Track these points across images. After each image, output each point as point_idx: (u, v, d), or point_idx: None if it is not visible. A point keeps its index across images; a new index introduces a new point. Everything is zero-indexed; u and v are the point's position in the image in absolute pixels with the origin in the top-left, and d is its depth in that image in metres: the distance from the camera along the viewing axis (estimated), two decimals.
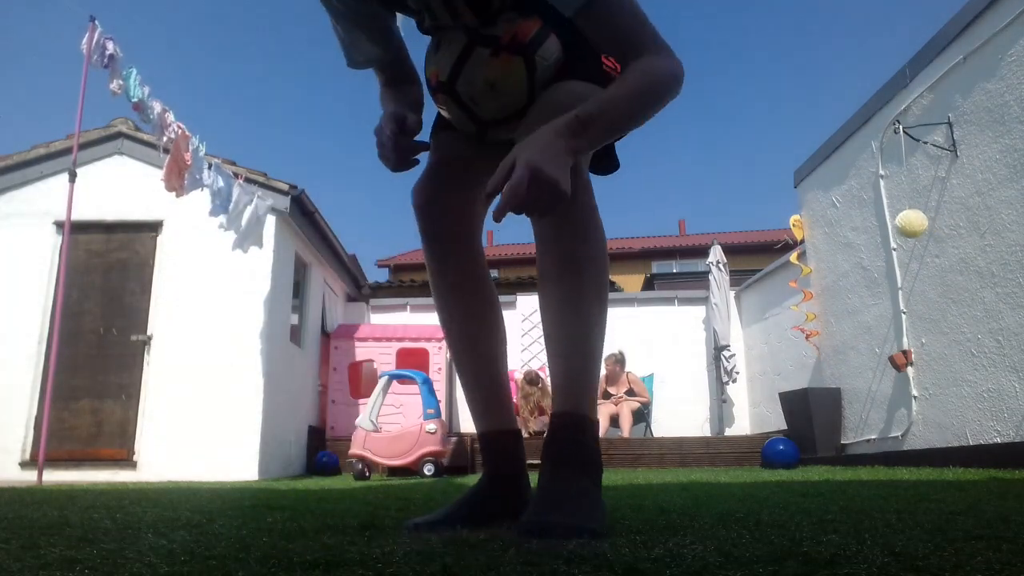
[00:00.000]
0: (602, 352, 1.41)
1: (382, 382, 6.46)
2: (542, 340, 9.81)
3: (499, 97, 1.40)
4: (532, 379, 7.86)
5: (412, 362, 8.28)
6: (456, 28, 1.41)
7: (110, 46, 5.23)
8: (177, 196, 5.71)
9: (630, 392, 8.10)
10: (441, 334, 9.44)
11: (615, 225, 50.20)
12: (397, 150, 1.50)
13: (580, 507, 1.24)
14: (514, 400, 8.18)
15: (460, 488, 3.49)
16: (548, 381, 8.47)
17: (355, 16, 1.49)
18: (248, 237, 6.09)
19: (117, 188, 6.84)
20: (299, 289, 7.89)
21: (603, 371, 8.15)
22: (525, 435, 7.61)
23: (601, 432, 7.73)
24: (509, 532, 1.26)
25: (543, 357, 9.12)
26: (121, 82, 5.23)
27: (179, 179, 5.55)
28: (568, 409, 1.35)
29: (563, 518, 1.21)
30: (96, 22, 5.25)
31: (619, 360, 8.14)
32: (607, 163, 1.60)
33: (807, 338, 6.72)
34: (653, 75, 1.27)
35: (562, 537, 1.13)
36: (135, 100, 5.31)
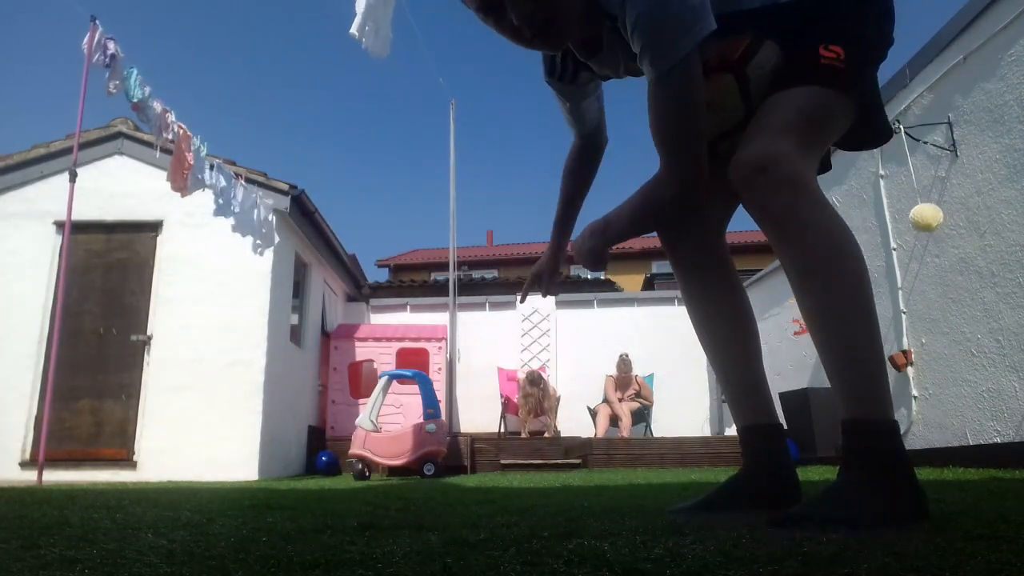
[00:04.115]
0: (870, 345, 1.33)
1: (382, 382, 6.46)
2: (542, 340, 9.83)
3: (716, 114, 1.45)
4: (534, 380, 7.86)
5: (412, 362, 8.28)
6: None
7: (111, 46, 5.23)
8: (182, 196, 5.72)
9: (637, 394, 8.10)
10: (441, 334, 9.46)
11: None
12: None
13: (843, 501, 1.25)
14: (514, 399, 8.19)
15: (460, 488, 3.49)
16: (549, 382, 8.45)
17: (580, 91, 1.71)
18: (262, 239, 6.12)
19: (117, 188, 6.84)
20: (299, 289, 7.89)
21: (615, 373, 8.13)
22: (524, 435, 7.61)
23: (601, 432, 7.73)
24: (761, 519, 1.29)
25: (543, 357, 9.13)
26: (118, 82, 5.22)
27: (183, 179, 5.55)
28: (844, 416, 1.33)
29: (816, 511, 1.24)
30: (97, 22, 5.25)
31: (629, 363, 8.12)
32: (873, 135, 1.58)
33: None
34: (653, 187, 1.48)
35: (811, 529, 1.14)
36: (135, 100, 5.30)
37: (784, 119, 1.36)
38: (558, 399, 8.21)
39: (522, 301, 1.98)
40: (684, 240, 1.67)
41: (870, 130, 1.56)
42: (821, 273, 1.33)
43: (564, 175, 1.90)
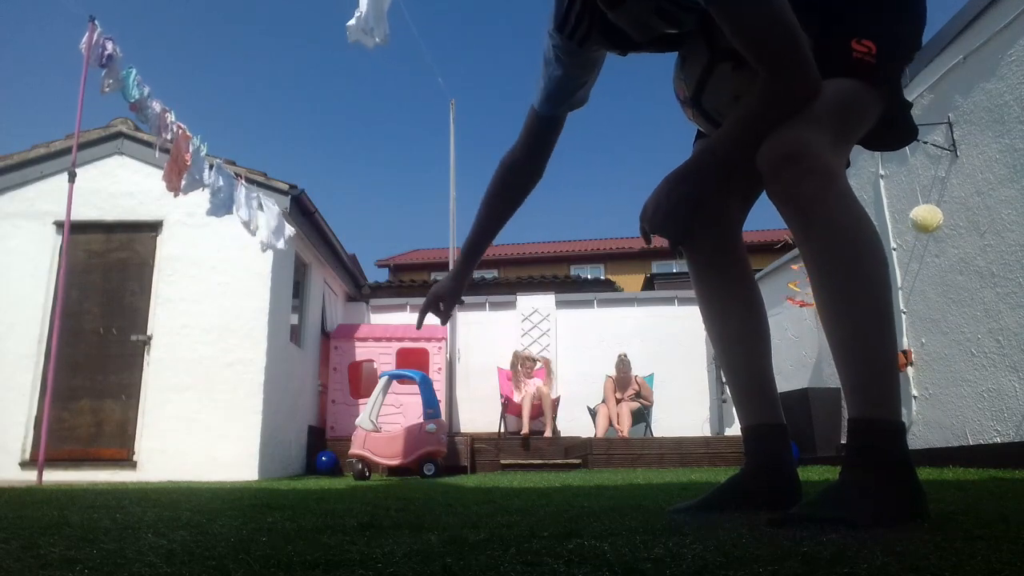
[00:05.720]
0: (883, 346, 1.31)
1: (382, 382, 6.46)
2: (542, 340, 9.82)
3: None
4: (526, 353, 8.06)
5: (412, 362, 8.28)
6: (698, 44, 1.47)
7: (109, 46, 5.23)
8: (175, 196, 5.72)
9: (637, 394, 8.09)
10: (441, 334, 9.44)
11: (615, 225, 50.15)
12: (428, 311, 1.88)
13: (843, 500, 1.25)
14: (514, 399, 8.18)
15: (460, 488, 3.49)
16: (538, 366, 8.45)
17: (578, 58, 1.56)
18: (275, 234, 6.12)
19: (117, 188, 6.84)
20: (299, 289, 7.89)
21: (614, 374, 8.13)
22: (524, 433, 7.61)
23: (601, 432, 7.72)
24: (761, 519, 1.29)
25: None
26: (112, 81, 5.20)
27: (179, 179, 5.55)
28: (851, 415, 1.33)
29: (816, 511, 1.23)
30: (96, 22, 5.25)
31: (628, 363, 8.12)
32: (900, 135, 1.55)
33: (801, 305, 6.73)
34: (762, 107, 1.33)
35: (811, 529, 1.13)
36: (132, 100, 5.30)
37: (815, 110, 1.33)
38: (557, 399, 8.20)
39: (419, 327, 1.88)
40: (701, 239, 1.64)
41: (895, 129, 1.53)
42: (841, 269, 1.31)
43: (489, 196, 1.78)
